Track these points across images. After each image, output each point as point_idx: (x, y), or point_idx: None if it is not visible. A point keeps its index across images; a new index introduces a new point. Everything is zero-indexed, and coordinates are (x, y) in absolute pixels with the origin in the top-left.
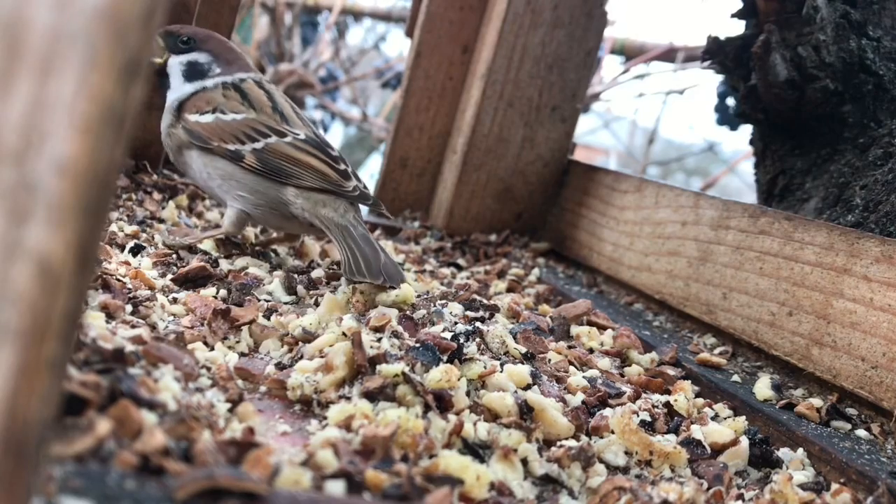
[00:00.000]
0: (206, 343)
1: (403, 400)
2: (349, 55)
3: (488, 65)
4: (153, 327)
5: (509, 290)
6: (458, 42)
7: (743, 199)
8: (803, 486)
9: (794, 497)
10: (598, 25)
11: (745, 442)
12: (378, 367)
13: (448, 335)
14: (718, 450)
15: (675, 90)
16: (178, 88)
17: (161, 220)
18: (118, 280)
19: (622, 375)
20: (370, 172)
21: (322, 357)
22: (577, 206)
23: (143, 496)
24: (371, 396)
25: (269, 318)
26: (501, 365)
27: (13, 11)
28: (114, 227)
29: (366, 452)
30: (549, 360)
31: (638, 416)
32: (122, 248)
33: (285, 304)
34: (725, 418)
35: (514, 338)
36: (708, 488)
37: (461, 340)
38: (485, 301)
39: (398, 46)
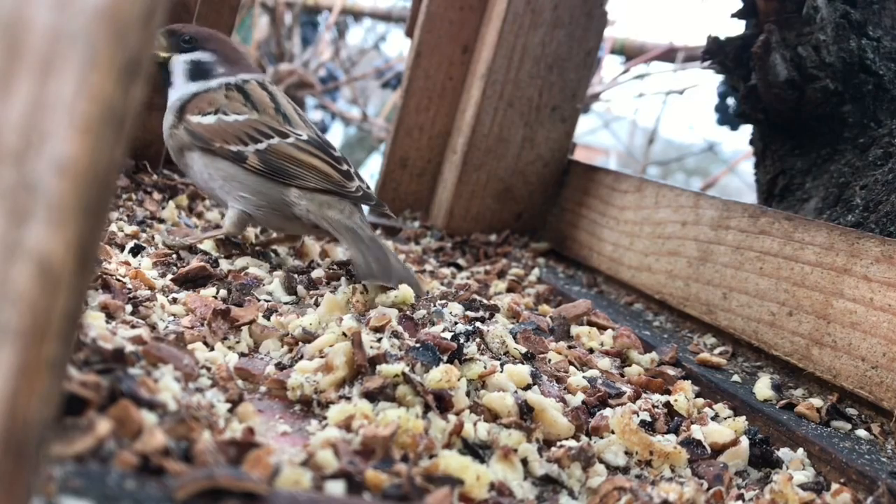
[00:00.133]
0: (206, 343)
1: (403, 400)
2: (349, 55)
3: (488, 65)
4: (153, 327)
5: (509, 290)
6: (458, 42)
7: (743, 199)
8: (803, 486)
9: (794, 497)
10: (598, 25)
11: (745, 442)
12: (378, 368)
13: (448, 335)
14: (718, 450)
15: (675, 90)
16: (181, 88)
17: (161, 220)
18: (118, 280)
19: (622, 375)
20: (370, 172)
21: (322, 357)
22: (577, 206)
23: (143, 496)
24: (371, 396)
25: (269, 318)
26: (501, 365)
27: (13, 11)
28: (114, 227)
29: (366, 452)
30: (549, 360)
31: (638, 416)
32: (121, 248)
33: (285, 304)
34: (725, 418)
35: (514, 338)
36: (708, 488)
37: (461, 340)
38: (485, 301)
39: (398, 46)
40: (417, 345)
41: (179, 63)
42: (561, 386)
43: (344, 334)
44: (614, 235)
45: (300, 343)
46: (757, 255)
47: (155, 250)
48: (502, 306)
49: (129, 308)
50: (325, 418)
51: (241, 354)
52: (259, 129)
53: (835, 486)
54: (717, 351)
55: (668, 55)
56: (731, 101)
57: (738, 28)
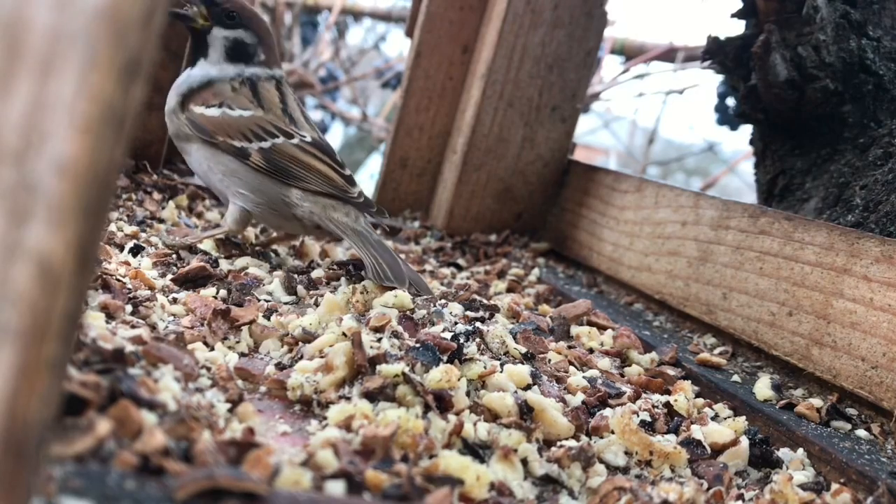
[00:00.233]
0: (206, 343)
1: (403, 400)
2: (349, 55)
3: (488, 65)
4: (153, 327)
5: (509, 290)
6: (458, 42)
7: (743, 199)
8: (803, 486)
9: (794, 497)
10: (598, 25)
11: (745, 442)
12: (378, 368)
13: (448, 335)
14: (718, 450)
15: (675, 90)
16: (206, 67)
17: (161, 220)
18: (118, 280)
19: (622, 375)
20: (370, 172)
21: (322, 357)
22: (577, 206)
23: (143, 496)
24: (371, 396)
25: (269, 318)
26: (501, 365)
27: (13, 11)
28: (114, 227)
29: (366, 452)
30: (549, 360)
31: (638, 416)
32: (121, 248)
33: (285, 304)
34: (725, 418)
35: (514, 338)
36: (708, 488)
37: (461, 340)
38: (485, 301)
39: (398, 46)
40: (417, 345)
41: (221, 37)
42: (561, 386)
43: (344, 334)
44: (614, 235)
45: (300, 343)
46: (757, 255)
47: (155, 250)
48: (502, 306)
49: (129, 308)
50: (325, 418)
51: (241, 354)
52: (264, 128)
53: (835, 486)
54: (717, 351)
55: (668, 55)
56: (731, 101)
57: (738, 28)
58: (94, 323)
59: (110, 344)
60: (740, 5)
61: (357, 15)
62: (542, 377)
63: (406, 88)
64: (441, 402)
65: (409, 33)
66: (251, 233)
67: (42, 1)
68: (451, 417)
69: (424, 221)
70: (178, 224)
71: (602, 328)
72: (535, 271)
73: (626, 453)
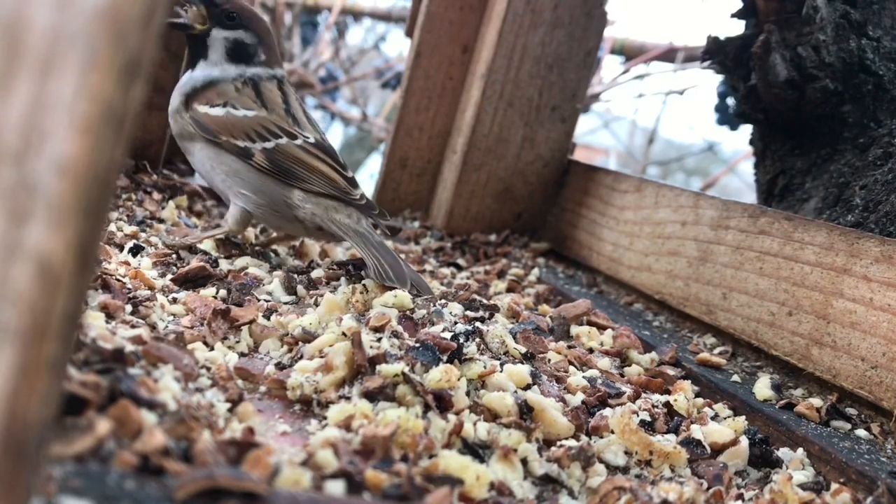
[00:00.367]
0: (206, 343)
1: (403, 400)
2: (349, 55)
3: (488, 65)
4: (153, 327)
5: (509, 290)
6: (458, 42)
7: (743, 199)
8: (803, 486)
9: (793, 497)
10: (598, 25)
11: (744, 442)
12: (378, 367)
13: (448, 335)
14: (718, 450)
15: (675, 90)
16: (207, 68)
17: (161, 220)
18: (118, 280)
19: (622, 375)
20: (370, 172)
21: (322, 357)
22: (576, 206)
23: (143, 496)
24: (371, 396)
25: (269, 318)
26: (501, 365)
27: (13, 11)
28: (113, 227)
29: (366, 452)
30: (549, 360)
31: (638, 416)
32: (121, 248)
33: (285, 304)
34: (725, 418)
35: (514, 338)
36: (708, 488)
37: (461, 340)
38: (485, 301)
39: (398, 46)
40: (417, 345)
41: (221, 38)
42: (561, 386)
43: (344, 334)
44: (614, 235)
45: (300, 343)
46: (757, 255)
47: (155, 250)
48: (502, 306)
49: (128, 308)
50: (324, 418)
51: (241, 354)
52: (268, 128)
53: (834, 486)
54: (716, 351)
55: (668, 55)
56: (731, 101)
57: (738, 28)
58: (94, 323)
59: (110, 344)
60: (740, 5)
61: (357, 15)
62: (542, 377)
63: (406, 88)
64: (441, 402)
65: (409, 33)
66: (251, 233)
67: (42, 1)
68: (451, 417)
69: (424, 221)
70: (177, 224)
71: (602, 328)
72: (535, 271)
73: (625, 453)
